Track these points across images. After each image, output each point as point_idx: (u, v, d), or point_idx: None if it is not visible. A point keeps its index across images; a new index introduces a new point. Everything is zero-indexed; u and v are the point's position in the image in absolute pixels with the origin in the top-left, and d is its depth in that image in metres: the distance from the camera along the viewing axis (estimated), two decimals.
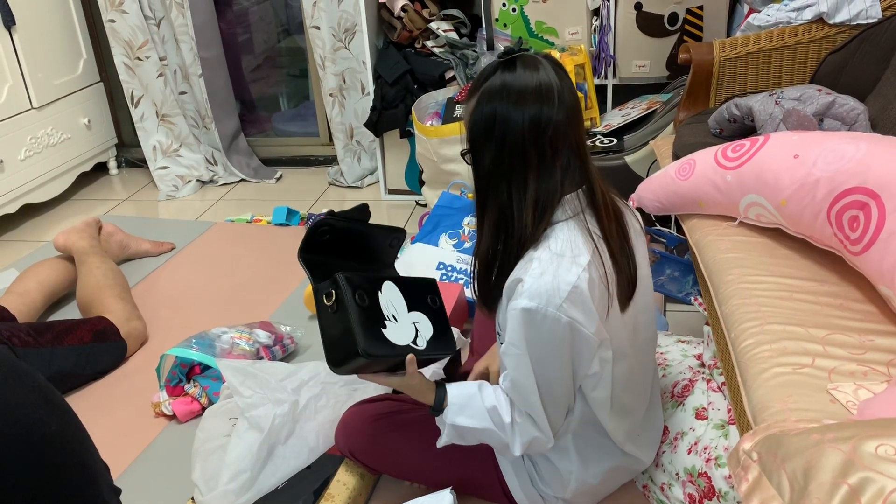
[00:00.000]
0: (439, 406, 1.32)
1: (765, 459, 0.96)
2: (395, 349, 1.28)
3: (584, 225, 1.24)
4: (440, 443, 1.36)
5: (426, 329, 1.38)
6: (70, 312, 2.41)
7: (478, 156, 1.25)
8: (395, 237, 1.51)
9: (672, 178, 1.71)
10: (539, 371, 1.24)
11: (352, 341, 1.23)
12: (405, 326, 1.34)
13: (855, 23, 2.06)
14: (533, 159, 1.21)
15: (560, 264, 1.19)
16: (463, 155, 1.29)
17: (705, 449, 1.45)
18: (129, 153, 3.77)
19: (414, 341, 1.33)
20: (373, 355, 1.24)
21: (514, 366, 1.25)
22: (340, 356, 1.27)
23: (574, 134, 1.22)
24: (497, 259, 1.28)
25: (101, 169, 3.69)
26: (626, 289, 1.28)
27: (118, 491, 0.96)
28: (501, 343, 1.41)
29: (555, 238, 1.22)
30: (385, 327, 1.30)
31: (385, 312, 1.31)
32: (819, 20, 2.10)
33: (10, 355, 0.80)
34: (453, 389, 1.33)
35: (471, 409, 1.31)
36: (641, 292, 1.33)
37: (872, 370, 1.17)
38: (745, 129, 1.88)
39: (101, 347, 2.07)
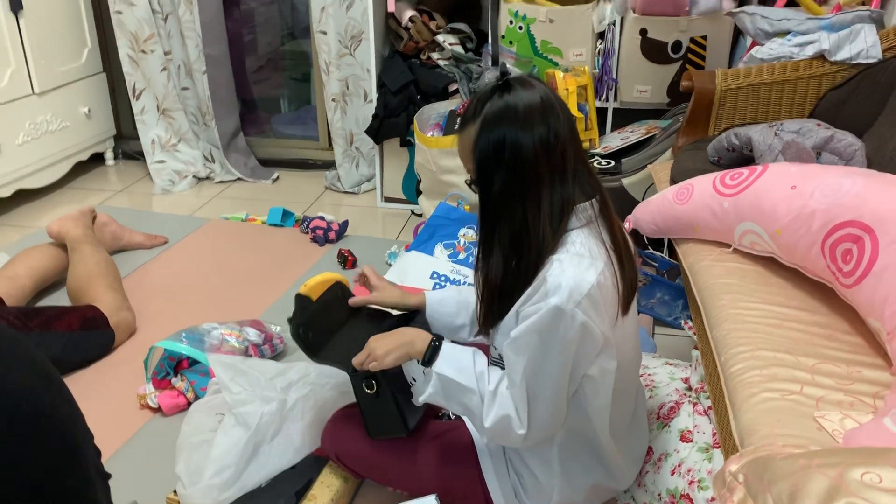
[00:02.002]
0: (431, 355, 1.32)
1: (751, 482, 0.97)
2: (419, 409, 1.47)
3: (597, 233, 1.26)
4: (422, 397, 1.34)
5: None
6: (59, 299, 2.40)
7: (487, 182, 1.25)
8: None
9: (670, 201, 1.73)
10: (535, 357, 1.23)
11: (397, 425, 1.43)
12: (422, 379, 1.48)
13: (855, 62, 2.10)
14: (545, 175, 1.23)
15: (581, 263, 1.21)
16: (469, 185, 1.29)
17: (689, 471, 1.46)
18: (127, 145, 3.76)
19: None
20: (412, 430, 1.44)
21: (512, 344, 1.25)
22: (382, 431, 1.46)
23: (577, 143, 1.26)
24: (510, 279, 1.28)
25: (97, 159, 3.68)
26: (629, 292, 1.30)
27: (107, 476, 0.96)
28: (496, 361, 1.43)
29: (572, 242, 1.24)
30: (411, 395, 1.43)
31: (408, 378, 1.42)
32: (820, 57, 2.14)
33: (11, 331, 0.81)
34: (447, 345, 1.33)
35: (460, 363, 1.30)
36: (631, 319, 1.36)
37: (859, 401, 1.19)
38: (742, 158, 1.91)
39: (89, 335, 2.07)
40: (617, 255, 1.27)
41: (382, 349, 1.35)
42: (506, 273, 1.28)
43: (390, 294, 1.56)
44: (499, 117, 1.21)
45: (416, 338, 1.35)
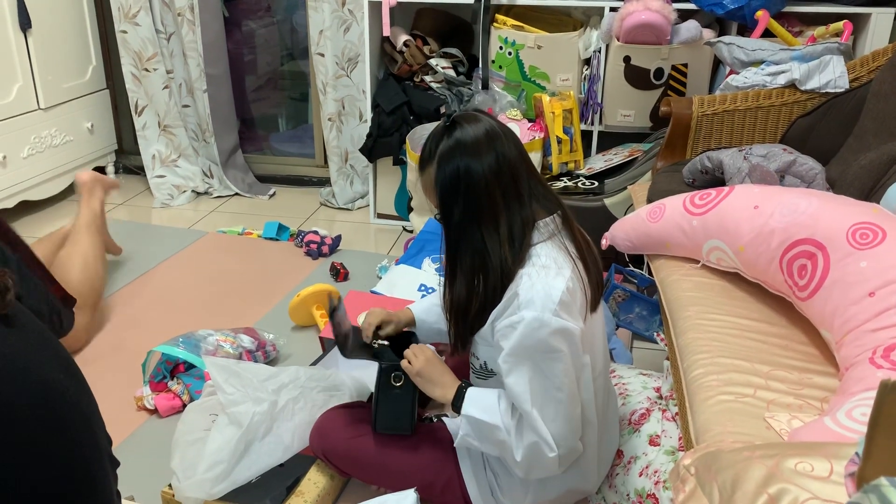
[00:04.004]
0: (459, 401, 1.42)
1: (701, 473, 1.06)
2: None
3: (561, 245, 1.37)
4: (457, 440, 1.44)
5: None
6: None
7: (448, 212, 1.37)
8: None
9: (643, 219, 1.83)
10: (535, 378, 1.32)
11: (406, 422, 1.55)
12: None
13: (824, 91, 2.21)
14: (499, 198, 1.34)
15: (547, 274, 1.31)
16: (439, 219, 1.41)
17: (655, 472, 1.55)
18: (128, 160, 3.87)
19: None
20: (414, 431, 1.58)
21: (507, 372, 1.34)
22: (390, 426, 1.56)
23: (527, 163, 1.37)
24: (476, 299, 1.38)
25: (99, 173, 3.77)
26: (596, 292, 1.41)
27: (117, 463, 1.05)
28: (476, 371, 1.52)
29: (537, 255, 1.34)
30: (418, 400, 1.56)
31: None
32: (791, 86, 2.25)
33: (43, 325, 0.90)
34: (473, 389, 1.44)
35: (485, 402, 1.40)
36: (599, 319, 1.45)
37: (807, 404, 1.28)
38: (715, 180, 2.01)
39: (61, 311, 2.17)
40: (582, 262, 1.38)
41: (420, 367, 1.48)
42: (469, 296, 1.38)
43: (397, 320, 1.66)
44: (451, 152, 1.33)
45: (448, 386, 1.46)
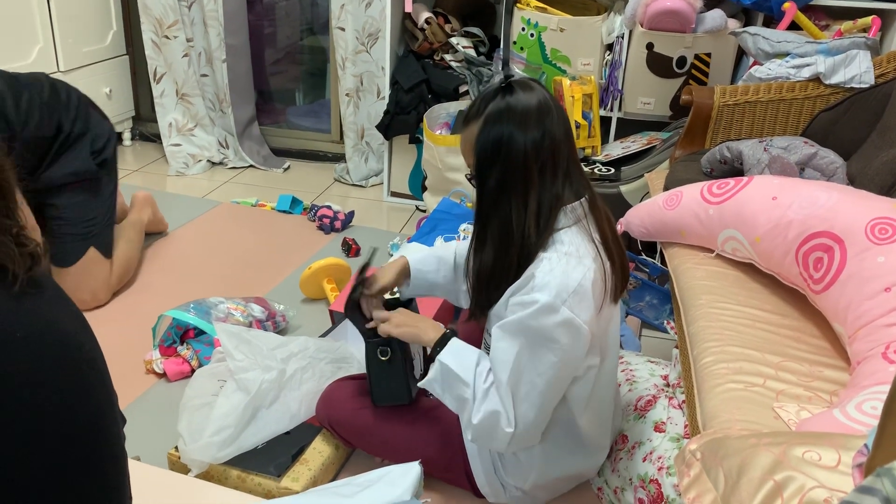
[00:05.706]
0: (440, 345, 1.43)
1: (706, 458, 1.06)
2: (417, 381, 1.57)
3: (586, 230, 1.36)
4: (422, 382, 1.45)
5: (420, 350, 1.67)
6: None
7: (484, 177, 1.35)
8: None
9: (659, 206, 1.82)
10: (522, 354, 1.32)
11: (402, 392, 1.56)
12: (417, 358, 1.62)
13: (848, 86, 2.19)
14: (534, 174, 1.32)
15: (568, 262, 1.30)
16: (470, 179, 1.39)
17: (659, 458, 1.55)
18: (145, 127, 3.87)
19: (422, 368, 1.64)
20: (413, 398, 1.57)
21: (499, 338, 1.34)
22: (387, 398, 1.58)
23: (571, 145, 1.35)
24: (499, 268, 1.37)
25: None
26: (620, 280, 1.40)
27: (124, 420, 1.06)
28: (489, 347, 1.52)
29: (561, 241, 1.33)
30: (413, 367, 1.58)
31: (412, 352, 1.60)
32: (816, 79, 2.23)
33: (54, 281, 0.91)
34: (456, 340, 1.44)
35: (463, 357, 1.40)
36: (616, 307, 1.45)
37: (817, 396, 1.28)
38: (734, 171, 1.99)
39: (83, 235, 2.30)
40: (606, 249, 1.36)
41: (398, 320, 1.49)
42: (495, 265, 1.37)
43: (383, 277, 1.63)
44: (500, 116, 1.31)
45: (430, 327, 1.47)
